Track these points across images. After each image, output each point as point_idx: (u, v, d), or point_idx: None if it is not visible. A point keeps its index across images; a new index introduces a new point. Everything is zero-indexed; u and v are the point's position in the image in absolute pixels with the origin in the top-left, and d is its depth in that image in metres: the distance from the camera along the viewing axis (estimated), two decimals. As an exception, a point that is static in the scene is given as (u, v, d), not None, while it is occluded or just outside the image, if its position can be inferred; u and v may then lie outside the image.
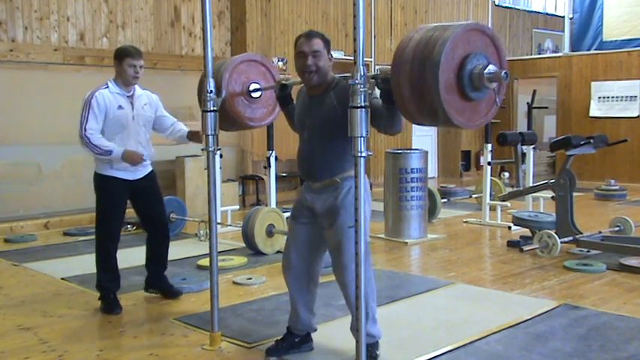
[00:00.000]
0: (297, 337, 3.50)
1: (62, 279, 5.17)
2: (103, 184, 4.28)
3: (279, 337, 3.53)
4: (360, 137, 2.74)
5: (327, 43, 3.22)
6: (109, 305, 4.31)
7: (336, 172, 3.23)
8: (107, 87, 4.29)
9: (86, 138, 4.14)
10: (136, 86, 4.36)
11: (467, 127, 2.81)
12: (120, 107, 4.23)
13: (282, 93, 3.52)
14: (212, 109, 3.51)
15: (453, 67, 2.61)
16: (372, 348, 3.33)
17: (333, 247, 3.28)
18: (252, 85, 3.82)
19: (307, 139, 3.32)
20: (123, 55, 4.26)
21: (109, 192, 4.28)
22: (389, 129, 3.03)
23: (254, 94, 3.83)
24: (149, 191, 4.42)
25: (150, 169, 4.43)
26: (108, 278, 4.37)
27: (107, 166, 4.24)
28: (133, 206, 4.47)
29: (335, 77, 3.27)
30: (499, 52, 2.77)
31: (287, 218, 5.73)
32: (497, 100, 2.78)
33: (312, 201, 3.33)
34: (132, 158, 4.17)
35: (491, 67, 2.65)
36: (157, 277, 4.56)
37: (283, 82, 3.51)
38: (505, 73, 2.65)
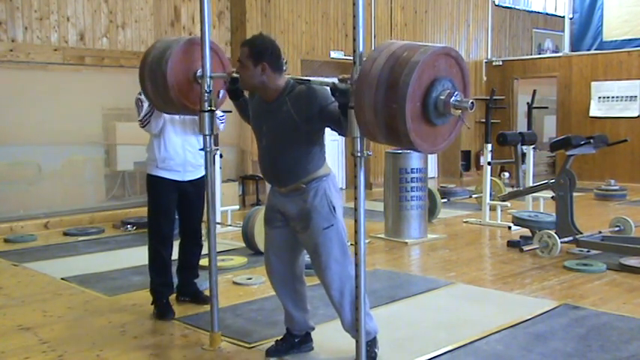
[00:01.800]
0: (297, 338, 3.50)
1: (62, 279, 5.17)
2: (151, 184, 4.24)
3: (279, 338, 3.53)
4: (359, 137, 2.74)
5: (255, 53, 3.06)
6: (161, 310, 4.17)
7: (300, 176, 3.19)
8: None
9: (141, 123, 4.12)
10: None
11: (429, 152, 2.73)
12: None
13: (233, 86, 3.39)
14: (209, 108, 3.49)
15: (419, 96, 2.52)
16: (371, 346, 3.33)
17: (310, 250, 3.27)
18: (200, 70, 3.58)
19: (266, 147, 3.24)
20: None
21: (156, 192, 4.22)
22: (349, 134, 2.95)
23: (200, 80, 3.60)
24: (192, 197, 4.28)
25: (201, 173, 4.23)
26: (159, 281, 4.25)
27: (154, 166, 4.20)
28: (177, 208, 4.34)
29: (290, 81, 3.16)
30: (463, 72, 2.68)
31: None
32: (459, 123, 2.70)
33: (282, 205, 3.28)
34: None
35: (457, 96, 2.57)
36: (187, 283, 4.45)
37: (234, 75, 3.33)
38: (471, 103, 2.56)
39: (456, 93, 2.58)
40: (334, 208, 3.20)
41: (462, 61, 2.68)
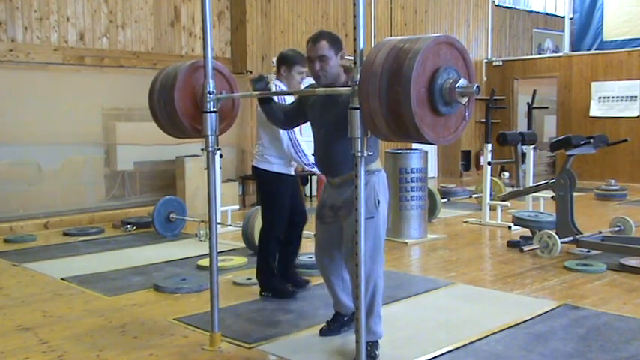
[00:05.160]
0: (346, 317, 3.72)
1: (62, 279, 5.17)
2: (279, 182, 4.32)
3: (328, 319, 3.76)
4: (360, 137, 2.76)
5: (334, 44, 3.27)
6: (282, 288, 4.44)
7: (352, 167, 3.25)
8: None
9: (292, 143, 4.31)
10: None
11: (437, 143, 2.76)
12: None
13: (259, 85, 3.52)
14: (212, 109, 3.50)
15: (424, 81, 2.55)
16: (372, 347, 3.35)
17: (348, 237, 3.34)
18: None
19: (324, 137, 3.41)
20: (292, 62, 4.29)
21: (284, 189, 4.33)
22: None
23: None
24: (297, 185, 4.53)
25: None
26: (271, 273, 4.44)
27: (282, 165, 4.31)
28: None
29: (351, 66, 3.26)
30: (467, 65, 2.72)
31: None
32: (467, 114, 2.71)
33: (332, 198, 3.47)
34: None
35: (462, 81, 2.59)
36: (286, 267, 4.58)
37: (258, 78, 3.53)
38: (477, 87, 2.60)
39: (461, 79, 2.60)
40: (379, 202, 3.33)
41: (465, 53, 2.73)
